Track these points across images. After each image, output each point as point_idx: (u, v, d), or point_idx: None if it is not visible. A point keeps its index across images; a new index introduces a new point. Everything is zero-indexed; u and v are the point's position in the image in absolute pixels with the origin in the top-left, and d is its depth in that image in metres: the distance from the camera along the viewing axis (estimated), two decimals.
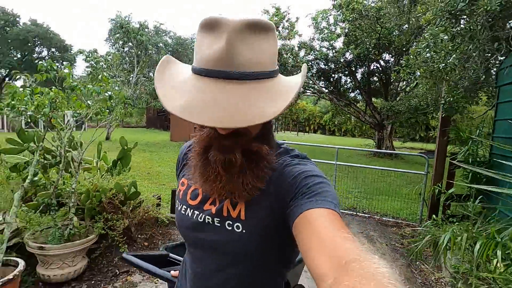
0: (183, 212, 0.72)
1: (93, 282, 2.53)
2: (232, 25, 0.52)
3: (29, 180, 2.35)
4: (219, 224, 0.65)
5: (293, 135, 33.92)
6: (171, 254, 1.13)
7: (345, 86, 17.50)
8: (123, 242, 2.83)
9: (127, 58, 25.39)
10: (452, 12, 2.24)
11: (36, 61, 40.11)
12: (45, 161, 2.90)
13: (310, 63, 15.60)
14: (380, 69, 15.63)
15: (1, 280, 1.82)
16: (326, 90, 17.09)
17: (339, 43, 15.14)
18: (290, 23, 14.41)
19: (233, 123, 0.49)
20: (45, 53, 40.78)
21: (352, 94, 18.51)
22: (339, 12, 12.76)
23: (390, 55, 14.56)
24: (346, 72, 16.64)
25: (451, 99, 2.91)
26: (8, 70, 38.55)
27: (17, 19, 39.11)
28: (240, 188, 0.60)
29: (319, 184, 0.57)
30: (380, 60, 15.07)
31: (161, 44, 29.60)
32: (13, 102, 2.38)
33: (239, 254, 0.64)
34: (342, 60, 15.15)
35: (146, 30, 29.22)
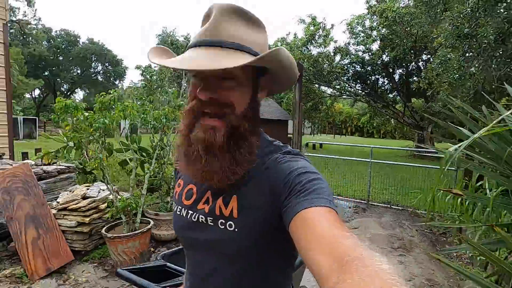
0: (178, 213, 0.73)
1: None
2: (220, 7, 0.59)
3: (134, 172, 3.41)
4: (212, 224, 0.64)
5: (329, 137, 33.81)
6: (168, 264, 1.12)
7: (382, 88, 17.48)
8: None
9: (173, 71, 27.60)
10: (460, 35, 2.83)
11: (93, 76, 45.04)
12: (142, 157, 4.03)
13: (346, 66, 15.96)
14: (419, 70, 15.49)
15: (144, 228, 2.89)
16: (363, 93, 17.23)
17: (375, 46, 15.31)
18: (326, 30, 14.93)
19: (209, 66, 0.53)
20: (100, 67, 45.64)
21: (390, 96, 18.38)
22: (373, 19, 13.07)
23: (429, 55, 14.44)
24: (384, 74, 16.67)
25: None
26: (69, 85, 43.80)
27: (78, 39, 44.18)
28: (219, 171, 0.60)
29: (313, 181, 0.56)
30: (420, 61, 14.97)
31: None
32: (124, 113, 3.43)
33: (233, 253, 0.63)
34: (379, 62, 15.26)
35: (188, 40, 31.56)
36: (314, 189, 0.54)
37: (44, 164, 3.83)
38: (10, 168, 3.13)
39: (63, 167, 3.91)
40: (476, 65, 2.85)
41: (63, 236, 2.95)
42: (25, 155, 6.05)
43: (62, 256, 2.84)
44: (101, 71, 46.56)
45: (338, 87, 16.02)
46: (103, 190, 3.37)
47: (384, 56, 15.01)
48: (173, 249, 1.14)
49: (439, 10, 5.40)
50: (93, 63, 45.72)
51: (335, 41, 15.13)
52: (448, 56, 3.12)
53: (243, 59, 0.54)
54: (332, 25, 15.25)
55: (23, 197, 2.96)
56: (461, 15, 2.77)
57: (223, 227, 0.63)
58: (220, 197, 0.65)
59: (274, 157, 0.64)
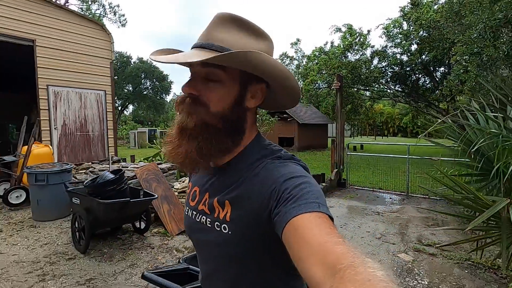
0: (186, 213, 0.76)
1: None
2: (217, 15, 0.63)
3: None
4: (210, 225, 0.66)
5: (370, 139, 33.36)
6: (191, 267, 1.14)
7: (423, 88, 17.40)
8: None
9: None
10: (471, 53, 3.65)
11: (143, 91, 49.67)
12: None
13: (384, 69, 16.31)
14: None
15: None
16: (402, 93, 17.32)
17: (413, 46, 15.48)
18: (363, 35, 15.44)
19: (181, 59, 0.58)
20: (148, 83, 50.19)
21: (433, 94, 18.16)
22: (409, 24, 13.39)
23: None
24: (424, 73, 16.66)
25: None
26: (123, 101, 48.76)
27: (130, 59, 49.19)
28: (183, 155, 0.62)
29: (300, 185, 0.55)
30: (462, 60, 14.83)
31: None
32: None
33: (230, 256, 0.64)
34: (418, 61, 15.32)
35: None
36: (302, 195, 0.53)
37: (159, 163, 5.37)
38: (145, 165, 4.67)
39: (169, 165, 5.43)
40: (488, 78, 3.67)
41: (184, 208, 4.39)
42: (132, 158, 7.87)
43: None
44: (150, 87, 51.14)
45: (376, 89, 16.42)
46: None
47: (423, 56, 15.09)
48: (194, 253, 1.13)
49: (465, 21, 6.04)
50: (143, 80, 50.35)
51: (372, 46, 15.60)
52: (468, 68, 3.91)
53: (210, 55, 0.55)
54: (369, 31, 15.77)
55: (156, 184, 4.45)
56: (471, 38, 3.56)
57: (219, 229, 0.64)
58: (215, 198, 0.66)
59: (264, 162, 0.64)
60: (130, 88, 48.75)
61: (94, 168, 5.65)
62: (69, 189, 3.79)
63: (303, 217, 0.49)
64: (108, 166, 5.71)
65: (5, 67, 8.60)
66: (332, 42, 16.38)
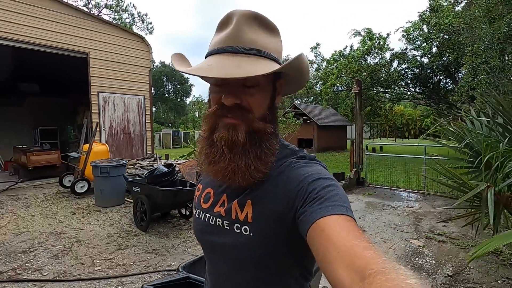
0: (197, 216, 0.73)
1: None
2: (241, 13, 0.60)
3: None
4: (228, 227, 0.64)
5: (390, 141, 33.03)
6: (191, 276, 1.11)
7: (445, 90, 17.32)
8: None
9: None
10: (482, 61, 4.07)
11: (165, 94, 51.55)
12: None
13: (404, 71, 16.46)
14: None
15: None
16: (423, 96, 17.33)
17: (434, 48, 15.54)
18: (382, 38, 15.70)
19: (235, 74, 0.54)
20: (169, 86, 52.10)
21: (454, 97, 18.03)
22: (428, 28, 13.52)
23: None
24: (445, 75, 16.63)
25: None
26: None
27: (153, 63, 51.21)
28: (243, 168, 0.60)
29: (328, 187, 0.54)
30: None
31: None
32: None
33: (249, 259, 0.62)
34: (439, 63, 15.35)
35: None
36: (330, 196, 0.52)
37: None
38: (187, 161, 5.43)
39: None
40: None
41: None
42: (167, 156, 8.75)
43: None
44: (171, 90, 53.01)
45: (396, 91, 16.57)
46: None
47: (444, 58, 15.12)
48: (193, 258, 1.10)
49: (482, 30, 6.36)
50: (165, 83, 52.21)
51: (391, 50, 15.81)
52: (478, 75, 4.33)
53: (268, 66, 0.57)
54: (388, 34, 16.02)
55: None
56: (480, 49, 3.97)
57: (238, 231, 0.62)
58: (236, 200, 0.64)
59: (288, 161, 0.64)
60: (153, 91, 50.73)
61: (141, 164, 6.49)
62: (130, 179, 4.59)
63: (330, 218, 0.48)
64: (152, 162, 6.55)
65: (59, 75, 9.76)
66: (351, 46, 16.72)
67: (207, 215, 0.70)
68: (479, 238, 4.21)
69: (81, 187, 5.69)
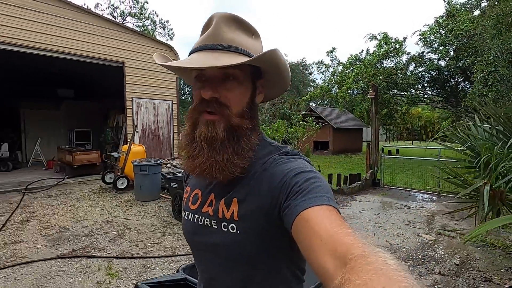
0: (186, 218, 0.73)
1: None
2: (220, 15, 0.64)
3: None
4: (216, 227, 0.65)
5: (406, 143, 32.61)
6: (188, 278, 1.10)
7: (463, 92, 17.18)
8: None
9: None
10: (491, 70, 4.38)
11: (182, 97, 52.77)
12: None
13: (420, 74, 16.48)
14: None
15: None
16: (440, 98, 17.26)
17: (451, 52, 15.51)
18: (399, 42, 15.74)
19: (212, 63, 0.58)
20: (186, 89, 53.37)
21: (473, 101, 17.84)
22: (445, 33, 13.56)
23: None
24: (463, 78, 16.52)
25: None
26: None
27: None
28: (220, 163, 0.61)
29: (309, 180, 0.56)
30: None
31: None
32: (271, 132, 6.03)
33: (239, 258, 0.63)
34: (457, 65, 15.28)
35: None
36: (312, 188, 0.54)
37: None
38: None
39: None
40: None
41: None
42: None
43: None
44: (188, 93, 54.24)
45: (413, 94, 16.63)
46: None
47: (462, 61, 15.07)
48: (192, 262, 1.03)
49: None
50: (181, 86, 53.47)
51: (408, 53, 15.88)
52: (489, 82, 4.61)
53: (243, 59, 0.59)
54: (404, 38, 16.10)
55: None
56: (489, 59, 4.26)
57: (226, 229, 0.63)
58: (222, 199, 0.65)
59: (272, 158, 0.65)
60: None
61: (173, 163, 7.13)
62: (168, 177, 5.20)
63: (313, 209, 0.49)
64: (182, 162, 7.19)
65: (93, 82, 10.66)
66: (367, 50, 16.92)
67: (196, 216, 0.70)
68: (488, 234, 4.53)
69: (122, 183, 6.38)
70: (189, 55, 0.66)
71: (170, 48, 9.34)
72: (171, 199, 5.07)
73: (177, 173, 5.62)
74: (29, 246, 3.68)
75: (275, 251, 0.63)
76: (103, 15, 9.07)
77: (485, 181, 2.57)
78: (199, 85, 0.64)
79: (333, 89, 17.49)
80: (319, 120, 20.15)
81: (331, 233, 0.45)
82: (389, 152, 17.70)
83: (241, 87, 0.64)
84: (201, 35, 0.66)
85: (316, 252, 0.45)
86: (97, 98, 12.18)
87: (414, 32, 16.37)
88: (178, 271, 1.10)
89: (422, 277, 3.22)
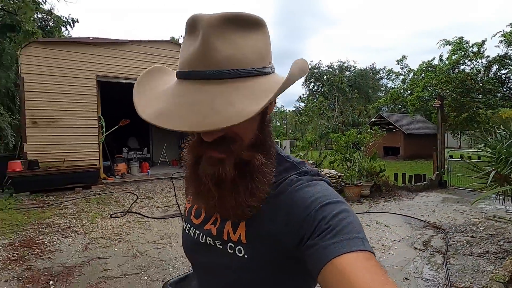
0: (187, 231, 0.69)
1: (371, 198, 7.38)
2: (206, 22, 0.48)
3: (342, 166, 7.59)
4: (220, 247, 0.60)
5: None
6: None
7: None
8: (378, 186, 7.61)
9: (317, 95, 32.62)
10: None
11: None
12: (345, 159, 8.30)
13: (503, 76, 15.73)
14: None
15: (355, 184, 7.05)
16: None
17: None
18: (477, 44, 15.30)
19: (204, 126, 0.43)
20: None
21: None
22: None
23: None
24: None
25: None
26: None
27: None
28: (234, 206, 0.54)
29: (339, 214, 0.49)
30: None
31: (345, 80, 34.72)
32: (344, 138, 7.78)
33: (243, 282, 0.57)
34: None
35: (331, 69, 35.94)
36: (343, 227, 0.47)
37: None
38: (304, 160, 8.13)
39: (311, 161, 8.73)
40: None
41: None
42: None
43: None
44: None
45: (494, 97, 15.98)
46: (332, 170, 7.83)
47: None
48: (180, 276, 0.97)
49: None
50: None
51: (487, 57, 15.40)
52: None
53: (252, 93, 0.46)
54: (483, 41, 15.67)
55: None
56: None
57: (232, 251, 0.58)
58: (229, 220, 0.60)
59: (289, 179, 0.58)
60: None
61: None
62: None
63: (348, 256, 0.43)
64: None
65: None
66: (440, 56, 16.85)
67: (197, 232, 0.66)
68: None
69: None
70: (176, 77, 0.52)
71: None
72: None
73: None
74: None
75: (284, 282, 0.58)
76: None
77: (493, 168, 4.06)
78: None
79: (405, 94, 17.88)
80: (389, 126, 20.53)
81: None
82: (461, 157, 17.10)
83: None
84: (186, 36, 0.52)
85: None
86: None
87: (495, 34, 15.80)
88: (164, 286, 0.97)
89: (459, 241, 4.62)
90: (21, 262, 3.64)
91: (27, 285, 3.10)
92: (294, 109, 40.58)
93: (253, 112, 0.44)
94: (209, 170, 0.53)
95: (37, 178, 7.00)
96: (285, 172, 0.60)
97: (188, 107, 0.46)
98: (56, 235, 4.51)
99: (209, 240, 0.62)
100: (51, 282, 3.16)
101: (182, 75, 0.51)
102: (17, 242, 4.27)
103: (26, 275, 3.31)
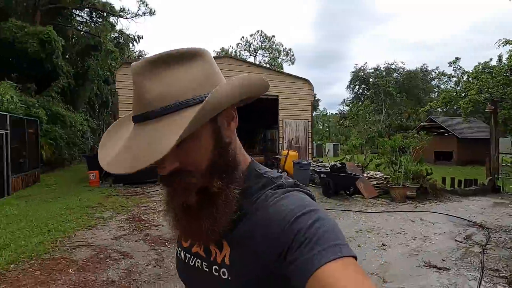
0: (178, 255, 0.70)
1: (418, 200, 7.77)
2: (133, 69, 0.52)
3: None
4: (207, 269, 0.61)
5: None
6: None
7: None
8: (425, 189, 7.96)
9: (362, 98, 32.13)
10: None
11: None
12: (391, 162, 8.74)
13: None
14: None
15: (401, 185, 7.55)
16: None
17: None
18: None
19: (131, 168, 0.47)
20: None
21: None
22: None
23: None
24: None
25: None
26: None
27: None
28: (202, 232, 0.55)
29: (314, 224, 0.49)
30: None
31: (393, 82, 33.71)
32: (390, 142, 8.29)
33: None
34: None
35: (377, 72, 35.09)
36: (319, 236, 0.47)
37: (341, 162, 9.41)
38: (348, 162, 8.77)
39: (357, 164, 9.35)
40: None
41: (372, 186, 8.12)
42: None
43: (374, 192, 7.98)
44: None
45: None
46: (378, 172, 8.37)
47: None
48: None
49: None
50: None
51: None
52: None
53: (176, 133, 0.46)
54: None
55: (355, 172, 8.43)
56: None
57: (217, 274, 0.59)
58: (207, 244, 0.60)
59: (264, 194, 0.58)
60: None
61: (312, 164, 10.37)
62: (318, 170, 8.34)
63: (328, 268, 0.44)
64: (317, 163, 10.29)
65: (248, 108, 15.36)
66: (499, 56, 15.95)
67: (187, 255, 0.67)
68: None
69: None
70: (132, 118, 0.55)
71: (306, 81, 12.77)
72: (321, 184, 8.15)
73: (321, 168, 8.68)
74: None
75: None
76: (261, 63, 13.28)
77: None
78: None
79: (458, 97, 17.22)
80: (441, 130, 19.75)
81: None
82: None
83: (201, 139, 0.53)
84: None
85: None
86: (249, 119, 17.03)
87: None
88: None
89: (501, 238, 4.99)
90: (139, 231, 5.03)
91: (151, 244, 4.42)
92: (337, 112, 40.34)
93: (168, 147, 0.45)
94: (176, 200, 0.57)
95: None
96: (263, 188, 0.59)
97: (124, 151, 0.51)
98: (155, 215, 5.92)
99: (197, 263, 0.63)
100: (166, 243, 4.45)
101: (133, 120, 0.54)
102: (130, 218, 5.76)
103: (148, 238, 4.66)
